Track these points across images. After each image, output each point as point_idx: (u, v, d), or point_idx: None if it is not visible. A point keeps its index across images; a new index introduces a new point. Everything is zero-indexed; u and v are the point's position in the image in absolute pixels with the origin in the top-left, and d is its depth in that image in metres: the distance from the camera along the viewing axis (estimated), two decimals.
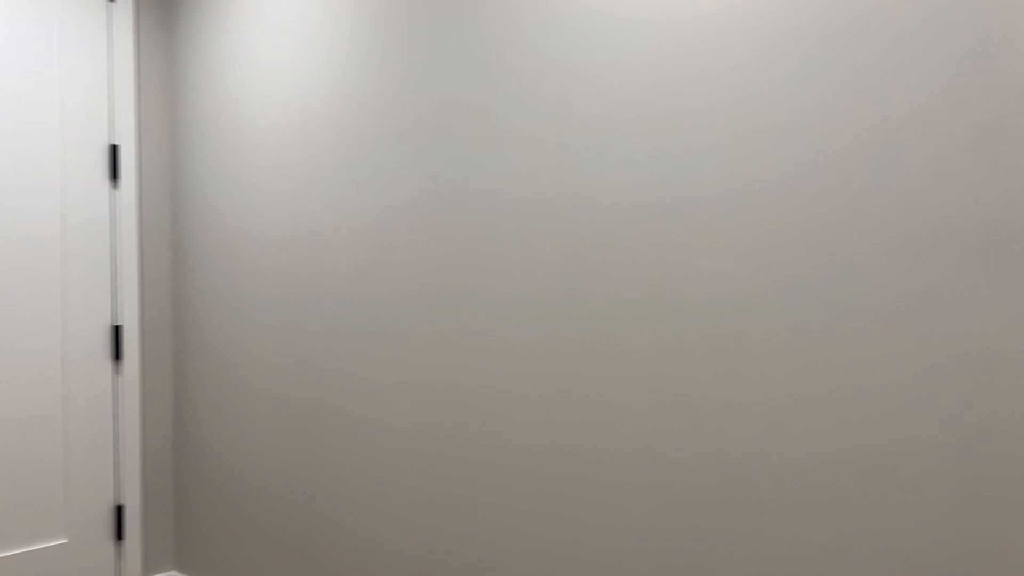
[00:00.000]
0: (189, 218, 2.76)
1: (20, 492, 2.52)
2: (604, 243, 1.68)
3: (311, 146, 2.31)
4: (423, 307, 2.03)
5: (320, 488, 2.32)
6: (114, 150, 2.71)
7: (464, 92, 1.92)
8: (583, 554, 1.74)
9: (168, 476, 2.84)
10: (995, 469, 1.24)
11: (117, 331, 2.72)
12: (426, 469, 2.04)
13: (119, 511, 2.72)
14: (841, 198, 1.37)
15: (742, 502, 1.50)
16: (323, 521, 2.31)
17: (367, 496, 2.19)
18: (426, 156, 2.01)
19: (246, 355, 2.55)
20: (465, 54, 1.92)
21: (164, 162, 2.82)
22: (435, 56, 1.98)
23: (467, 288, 1.93)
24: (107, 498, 2.70)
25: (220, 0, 2.60)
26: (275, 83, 2.41)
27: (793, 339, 1.43)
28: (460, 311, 1.95)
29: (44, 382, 2.57)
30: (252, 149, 2.50)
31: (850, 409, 1.37)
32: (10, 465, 2.50)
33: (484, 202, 1.89)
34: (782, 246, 1.44)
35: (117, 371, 2.73)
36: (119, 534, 2.72)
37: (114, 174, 2.71)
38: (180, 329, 2.81)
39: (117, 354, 2.72)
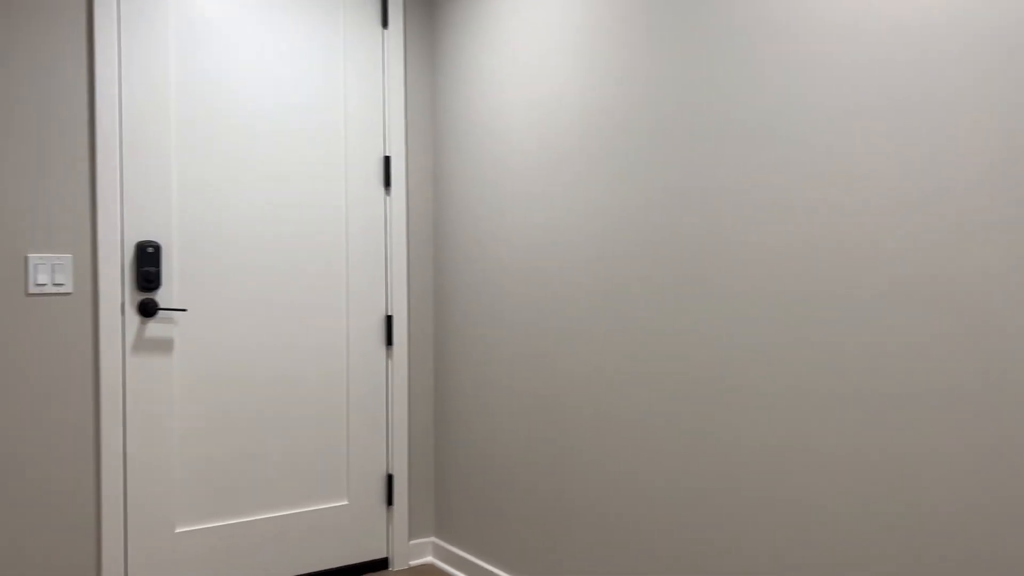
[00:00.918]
0: (448, 220, 3.06)
1: (312, 458, 2.93)
2: (851, 240, 1.68)
3: (556, 148, 2.49)
4: (662, 302, 2.13)
5: (564, 471, 2.49)
6: (387, 161, 3.06)
7: (710, 94, 2.00)
8: (822, 543, 1.75)
9: (430, 451, 3.16)
10: None
11: (389, 320, 3.08)
12: (662, 456, 2.14)
13: (389, 480, 3.08)
14: None
15: None
16: (566, 501, 2.49)
17: (608, 480, 2.33)
18: (671, 156, 2.11)
19: (495, 345, 2.79)
20: (713, 57, 1.99)
21: (428, 170, 3.15)
22: (681, 58, 2.07)
23: (708, 283, 2.01)
24: (380, 467, 3.07)
25: (477, 23, 2.87)
26: (524, 92, 2.62)
27: None
28: (700, 306, 2.02)
29: (333, 363, 2.97)
30: (503, 155, 2.74)
31: None
32: (304, 434, 2.92)
33: (726, 200, 1.95)
34: None
35: (389, 355, 3.08)
36: (389, 500, 3.08)
37: (387, 182, 3.07)
38: (440, 319, 3.12)
39: (389, 340, 3.08)
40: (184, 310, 2.66)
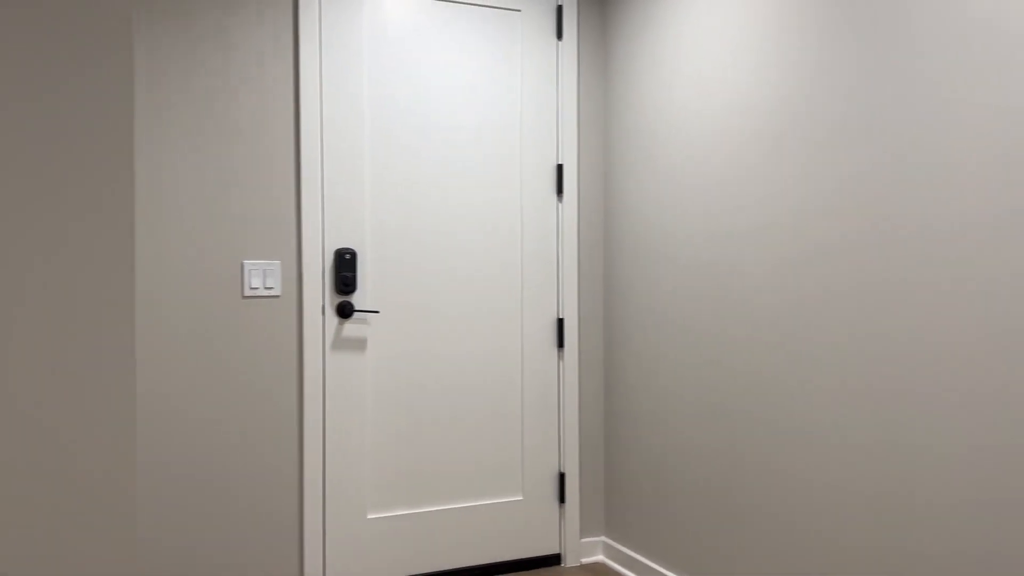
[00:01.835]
0: (618, 225, 3.11)
1: (488, 453, 3.07)
2: None
3: (733, 151, 2.49)
4: (856, 310, 2.09)
5: (737, 477, 2.49)
6: (559, 169, 3.16)
7: (892, 98, 1.95)
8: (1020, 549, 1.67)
9: (599, 451, 3.23)
10: None
11: (560, 323, 3.17)
12: (851, 468, 2.09)
13: (561, 478, 3.17)
14: None
15: None
16: (740, 508, 2.48)
17: (786, 491, 2.30)
18: (851, 159, 2.07)
19: (667, 350, 2.81)
20: (897, 61, 1.94)
21: (598, 177, 3.22)
22: (862, 61, 2.03)
23: (904, 289, 1.95)
24: (552, 466, 3.16)
25: (650, 31, 2.91)
26: (700, 96, 2.64)
27: None
28: (897, 313, 1.97)
29: (507, 363, 3.10)
30: (675, 159, 2.76)
31: None
32: (482, 429, 3.06)
33: (918, 203, 1.90)
34: None
35: (560, 357, 3.17)
36: (561, 498, 3.17)
37: (559, 189, 3.16)
38: (609, 322, 3.18)
39: (560, 342, 3.17)
40: (377, 312, 2.86)
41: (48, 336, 1.54)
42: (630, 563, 3.04)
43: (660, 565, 2.89)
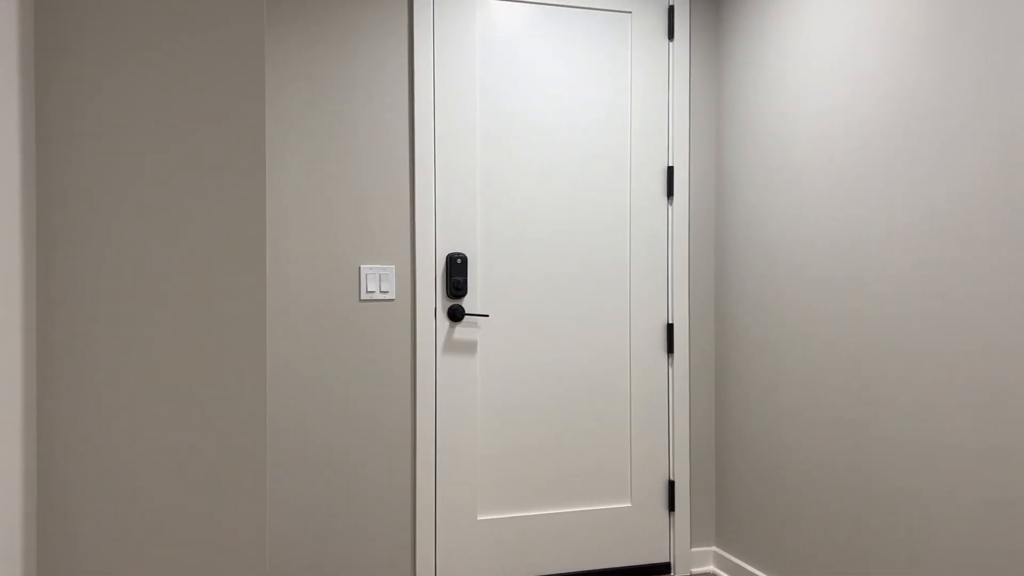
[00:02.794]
0: (730, 228, 3.04)
1: (597, 458, 3.05)
2: None
3: (855, 151, 2.39)
4: (991, 317, 1.97)
5: (861, 493, 2.38)
6: (670, 171, 3.11)
7: (1009, 101, 1.82)
8: None
9: (711, 459, 3.16)
10: None
11: (670, 328, 3.12)
12: (985, 484, 1.97)
13: (671, 486, 3.12)
14: None
15: None
16: (861, 526, 2.37)
17: (914, 506, 2.19)
18: (985, 153, 1.94)
19: (785, 359, 2.72)
20: (1012, 55, 1.82)
21: (710, 179, 3.15)
22: (992, 48, 1.91)
23: None
24: (662, 473, 3.12)
25: (765, 30, 2.83)
26: (820, 96, 2.54)
27: None
28: None
29: (616, 368, 3.07)
30: (792, 160, 2.67)
31: None
32: (590, 434, 3.05)
33: None
34: None
35: (670, 363, 3.12)
36: (671, 506, 3.12)
37: (670, 192, 3.11)
38: (721, 328, 3.11)
39: (670, 348, 3.12)
40: (487, 315, 2.89)
41: (185, 338, 1.62)
42: (742, 574, 2.96)
43: None
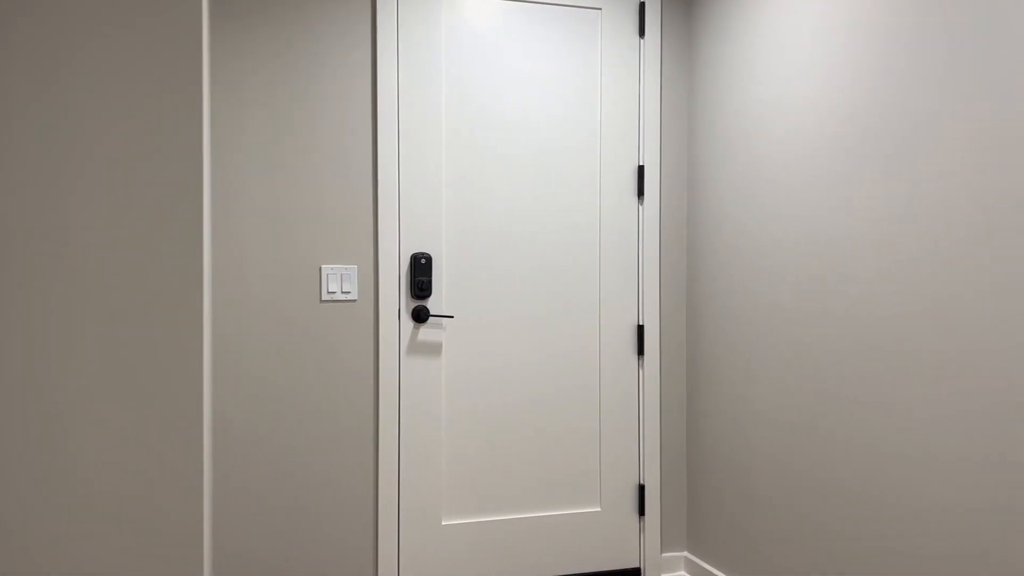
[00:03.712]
0: (701, 228, 2.99)
1: (565, 461, 3.00)
2: None
3: (823, 150, 2.35)
4: (965, 318, 1.92)
5: (831, 502, 2.33)
6: (640, 170, 3.06)
7: (978, 93, 1.78)
8: None
9: (681, 463, 3.11)
10: None
11: (640, 330, 3.07)
12: (961, 489, 1.93)
13: (641, 490, 3.07)
14: None
15: None
16: (832, 532, 2.32)
17: (886, 513, 2.14)
18: (943, 158, 1.90)
19: (752, 357, 2.68)
20: (984, 56, 1.77)
21: (681, 179, 3.11)
22: (954, 47, 1.87)
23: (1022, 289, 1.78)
24: (632, 477, 3.07)
25: (736, 29, 2.78)
26: (788, 93, 2.50)
27: None
28: (1013, 319, 1.80)
29: (585, 370, 3.02)
30: (763, 159, 2.63)
31: None
32: (558, 437, 2.99)
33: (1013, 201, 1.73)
34: None
35: (640, 365, 3.08)
36: (641, 510, 3.07)
37: (640, 191, 3.06)
38: (693, 331, 3.06)
39: (640, 350, 3.07)
40: (451, 316, 2.84)
41: (117, 336, 1.56)
42: None
43: None
